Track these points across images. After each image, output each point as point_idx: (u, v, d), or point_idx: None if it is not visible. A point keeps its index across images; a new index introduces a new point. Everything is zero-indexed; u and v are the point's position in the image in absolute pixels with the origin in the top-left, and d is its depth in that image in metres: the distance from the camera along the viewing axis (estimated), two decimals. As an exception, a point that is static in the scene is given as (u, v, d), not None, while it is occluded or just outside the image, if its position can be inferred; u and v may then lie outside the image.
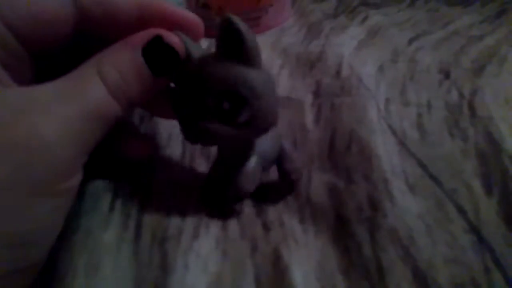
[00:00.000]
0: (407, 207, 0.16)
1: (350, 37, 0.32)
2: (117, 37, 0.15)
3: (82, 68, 0.14)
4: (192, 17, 0.16)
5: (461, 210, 0.16)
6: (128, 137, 0.19)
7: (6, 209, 0.11)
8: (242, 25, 0.13)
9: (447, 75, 0.25)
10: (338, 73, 0.26)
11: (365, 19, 0.36)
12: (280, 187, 0.18)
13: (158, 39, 0.14)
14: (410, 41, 0.31)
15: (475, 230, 0.15)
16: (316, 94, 0.24)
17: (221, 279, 0.14)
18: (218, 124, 0.14)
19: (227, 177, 0.16)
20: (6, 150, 0.11)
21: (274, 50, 0.32)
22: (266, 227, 0.16)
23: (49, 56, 0.15)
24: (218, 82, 0.13)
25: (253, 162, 0.16)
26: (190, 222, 0.16)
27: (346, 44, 0.30)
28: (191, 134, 0.15)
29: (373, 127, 0.20)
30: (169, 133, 0.21)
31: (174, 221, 0.16)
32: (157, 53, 0.15)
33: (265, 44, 0.33)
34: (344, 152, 0.19)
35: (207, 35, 0.17)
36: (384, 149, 0.19)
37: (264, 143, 0.16)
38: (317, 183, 0.18)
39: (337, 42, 0.31)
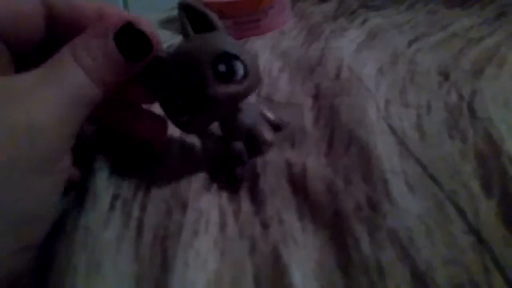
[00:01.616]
0: (406, 208, 0.16)
1: (349, 40, 0.32)
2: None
3: (58, 55, 0.15)
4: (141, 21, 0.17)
5: (460, 211, 0.16)
6: (143, 117, 0.20)
7: (12, 188, 0.12)
8: (196, 3, 0.16)
9: (446, 77, 0.25)
10: (337, 75, 0.26)
11: (364, 21, 0.36)
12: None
13: (129, 25, 0.15)
14: (410, 43, 0.31)
15: (474, 231, 0.15)
16: (316, 97, 0.24)
17: (220, 277, 0.14)
18: (219, 85, 0.15)
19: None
20: (8, 133, 0.12)
21: (274, 54, 0.32)
22: (265, 225, 0.16)
23: (26, 53, 0.16)
24: (206, 50, 0.15)
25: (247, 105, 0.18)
26: (190, 220, 0.16)
27: (345, 47, 0.30)
28: (197, 118, 0.16)
29: (373, 127, 0.20)
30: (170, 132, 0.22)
31: (175, 220, 0.16)
32: (130, 38, 0.15)
33: (265, 47, 0.33)
34: (343, 153, 0.19)
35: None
36: (384, 149, 0.19)
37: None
38: (315, 180, 0.18)
39: (337, 45, 0.31)
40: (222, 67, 0.15)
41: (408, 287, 0.13)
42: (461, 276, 0.13)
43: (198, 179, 0.18)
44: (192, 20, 0.17)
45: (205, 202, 0.17)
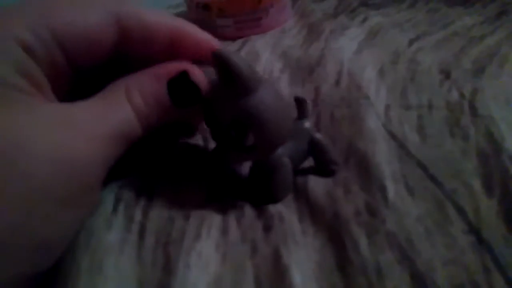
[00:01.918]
0: (406, 211, 0.16)
1: (350, 39, 0.32)
2: (150, 59, 0.16)
3: (112, 89, 0.15)
4: (217, 44, 0.17)
5: (461, 211, 0.16)
6: None
7: (38, 216, 0.12)
8: (234, 57, 0.14)
9: (447, 76, 0.25)
10: (337, 82, 0.26)
11: (365, 19, 0.36)
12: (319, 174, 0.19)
13: (184, 74, 0.16)
14: (411, 42, 0.31)
15: (474, 230, 0.15)
16: (315, 102, 0.24)
17: (221, 279, 0.14)
18: (229, 150, 0.16)
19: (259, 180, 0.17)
20: (50, 162, 0.12)
21: (275, 53, 0.32)
22: (266, 228, 0.16)
23: (87, 71, 0.16)
24: (223, 115, 0.15)
25: (283, 167, 0.17)
26: (193, 223, 0.16)
27: (345, 48, 0.30)
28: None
29: (372, 136, 0.20)
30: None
31: (177, 227, 0.16)
32: (181, 86, 0.16)
33: (265, 46, 0.33)
34: (342, 165, 0.19)
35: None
36: (384, 156, 0.19)
37: (289, 144, 0.17)
38: (315, 187, 0.18)
39: (337, 46, 0.31)
40: (232, 133, 0.15)
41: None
42: (461, 276, 0.13)
43: (202, 187, 0.18)
44: None
45: (208, 208, 0.17)
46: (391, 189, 0.17)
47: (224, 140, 0.16)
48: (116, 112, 0.14)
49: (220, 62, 0.14)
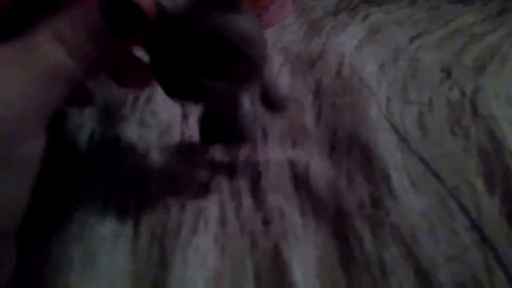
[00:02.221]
0: (409, 204, 0.16)
1: (350, 36, 0.32)
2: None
3: (37, 28, 0.13)
4: None
5: (463, 208, 0.16)
6: (131, 66, 0.18)
7: None
8: None
9: (448, 74, 0.25)
10: (338, 72, 0.26)
11: (366, 17, 0.36)
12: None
13: None
14: (412, 40, 0.30)
15: (477, 228, 0.15)
16: (317, 93, 0.24)
17: (220, 275, 0.14)
18: (210, 79, 0.13)
19: (223, 121, 0.15)
20: None
21: (275, 48, 0.31)
22: (266, 221, 0.16)
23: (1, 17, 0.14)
24: (208, 34, 0.12)
25: (247, 103, 0.15)
26: (189, 216, 0.16)
27: (346, 43, 0.30)
28: (177, 92, 0.14)
29: (374, 126, 0.20)
30: (168, 122, 0.21)
31: (173, 218, 0.16)
32: (120, 10, 0.13)
33: (265, 42, 0.33)
34: (345, 153, 0.19)
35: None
36: (386, 147, 0.19)
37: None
38: (317, 178, 0.18)
39: (338, 41, 0.31)
40: (219, 58, 0.12)
41: (411, 284, 0.13)
42: (463, 273, 0.13)
43: (198, 178, 0.18)
44: None
45: (204, 199, 0.17)
46: (396, 179, 0.17)
47: (198, 68, 0.13)
48: (40, 51, 0.13)
49: None
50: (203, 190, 0.17)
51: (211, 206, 0.17)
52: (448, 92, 0.23)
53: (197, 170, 0.19)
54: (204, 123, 0.16)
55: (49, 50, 0.13)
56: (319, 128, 0.21)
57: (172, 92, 0.14)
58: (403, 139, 0.19)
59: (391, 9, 0.37)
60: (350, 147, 0.19)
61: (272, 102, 0.16)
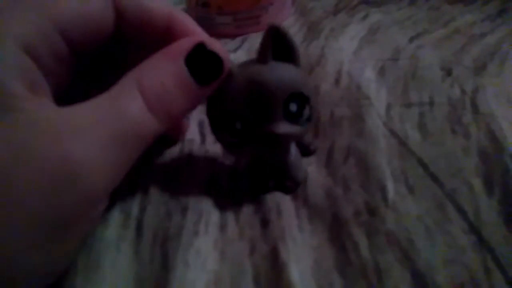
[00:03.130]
0: (406, 210, 0.16)
1: (350, 38, 0.32)
2: (148, 44, 0.15)
3: (121, 84, 0.13)
4: (206, 37, 0.16)
5: (461, 211, 0.16)
6: None
7: (29, 247, 0.11)
8: (287, 32, 0.14)
9: (449, 73, 0.25)
10: (337, 81, 0.26)
11: (365, 17, 0.36)
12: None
13: (200, 46, 0.14)
14: (411, 40, 0.30)
15: (475, 230, 0.15)
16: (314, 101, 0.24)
17: (220, 277, 0.14)
18: (285, 124, 0.15)
19: (271, 168, 0.17)
20: (36, 180, 0.10)
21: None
22: (264, 222, 0.16)
23: (90, 54, 0.15)
24: (285, 86, 0.14)
25: (294, 150, 0.17)
26: (190, 221, 0.16)
27: (345, 48, 0.30)
28: (250, 145, 0.15)
29: (372, 136, 0.20)
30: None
31: (175, 222, 0.16)
32: (200, 62, 0.14)
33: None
34: (341, 163, 0.19)
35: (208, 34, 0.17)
36: (384, 154, 0.19)
37: None
38: (314, 186, 0.18)
39: (337, 46, 0.30)
40: (293, 107, 0.14)
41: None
42: (461, 275, 0.13)
43: (199, 182, 0.18)
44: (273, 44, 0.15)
45: (205, 203, 0.17)
46: (391, 188, 0.17)
47: (272, 116, 0.14)
48: (122, 110, 0.12)
49: (279, 34, 0.14)
50: (204, 193, 0.18)
51: (212, 210, 0.17)
52: (449, 89, 0.23)
53: (198, 173, 0.19)
54: (253, 174, 0.18)
55: (132, 108, 0.13)
56: (317, 138, 0.21)
57: (235, 148, 0.16)
58: (402, 143, 0.19)
59: (390, 9, 0.37)
60: (347, 158, 0.19)
61: (303, 145, 0.19)
